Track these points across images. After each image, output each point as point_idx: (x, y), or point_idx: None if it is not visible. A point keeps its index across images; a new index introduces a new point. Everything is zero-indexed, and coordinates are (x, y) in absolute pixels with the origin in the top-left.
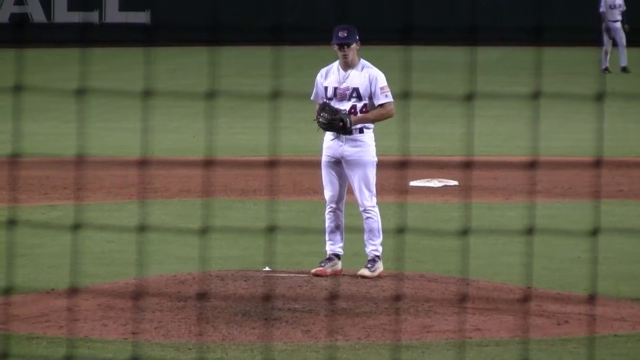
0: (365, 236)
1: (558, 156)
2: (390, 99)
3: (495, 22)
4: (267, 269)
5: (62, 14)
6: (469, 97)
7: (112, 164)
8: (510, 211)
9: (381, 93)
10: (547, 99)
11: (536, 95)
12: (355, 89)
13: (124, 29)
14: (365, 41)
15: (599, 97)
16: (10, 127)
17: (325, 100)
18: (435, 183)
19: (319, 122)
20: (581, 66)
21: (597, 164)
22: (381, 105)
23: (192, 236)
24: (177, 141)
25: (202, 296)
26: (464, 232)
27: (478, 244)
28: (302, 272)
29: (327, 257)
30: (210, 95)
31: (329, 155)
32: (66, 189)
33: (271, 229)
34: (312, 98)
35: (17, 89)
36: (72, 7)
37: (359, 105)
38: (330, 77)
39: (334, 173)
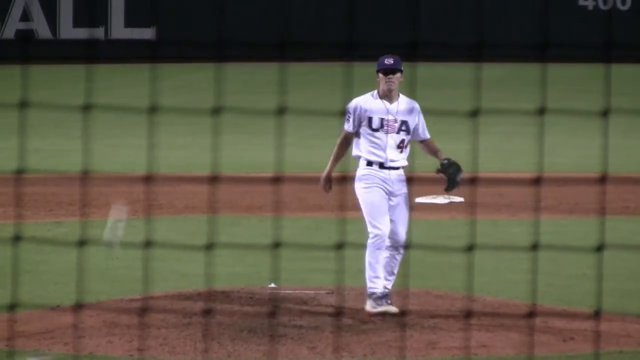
0: (388, 272)
1: (564, 172)
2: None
3: (501, 38)
4: (272, 285)
5: (68, 30)
6: (474, 114)
7: (118, 180)
8: (515, 227)
9: (426, 126)
10: (553, 115)
11: (541, 112)
12: (404, 122)
13: (129, 45)
14: (371, 58)
15: (605, 113)
16: (15, 143)
17: (369, 131)
18: (440, 200)
19: (455, 182)
20: (586, 82)
21: (603, 180)
22: (430, 139)
23: (198, 253)
24: (183, 157)
25: (207, 313)
26: (470, 248)
27: (484, 260)
28: (308, 289)
29: (383, 293)
30: (216, 111)
31: (383, 187)
32: (72, 205)
33: (276, 246)
34: (348, 129)
35: (23, 105)
36: (77, 23)
37: (407, 139)
38: (373, 107)
39: (386, 203)
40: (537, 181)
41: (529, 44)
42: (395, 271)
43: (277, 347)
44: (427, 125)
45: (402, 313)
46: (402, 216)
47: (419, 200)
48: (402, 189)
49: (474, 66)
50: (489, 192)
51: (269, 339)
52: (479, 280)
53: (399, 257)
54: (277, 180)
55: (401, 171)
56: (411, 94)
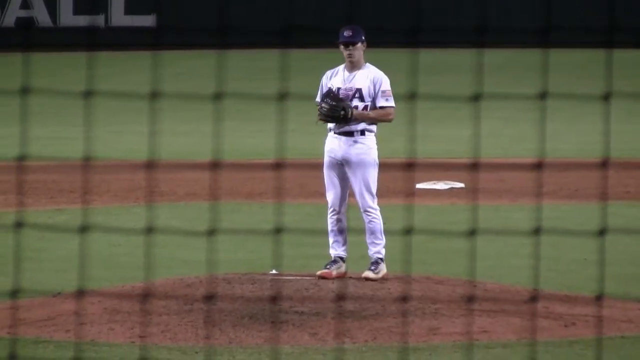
0: (367, 238)
1: (565, 158)
2: (391, 103)
3: (503, 23)
4: (273, 271)
5: (68, 18)
6: (476, 98)
7: (119, 168)
8: (517, 213)
9: (382, 96)
10: (554, 100)
11: (543, 96)
12: (358, 90)
13: (129, 32)
14: (372, 44)
15: (606, 98)
16: (17, 131)
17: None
18: (441, 185)
19: (321, 107)
20: (588, 67)
21: (604, 165)
22: (381, 108)
23: (199, 239)
24: (184, 144)
25: (209, 299)
26: (471, 234)
27: (485, 246)
28: (309, 275)
29: (332, 259)
30: (218, 97)
31: (330, 157)
32: (73, 192)
33: (278, 232)
34: (316, 100)
35: (24, 92)
36: (77, 10)
37: (361, 105)
38: (335, 78)
39: (335, 175)
40: (538, 166)
41: (531, 29)
42: (370, 239)
43: (278, 333)
44: (428, 111)
45: (404, 299)
46: (358, 181)
47: (419, 186)
48: (358, 154)
49: (475, 52)
50: (491, 177)
51: (270, 325)
52: (480, 265)
53: (369, 225)
54: (278, 166)
55: (357, 136)
56: (413, 80)
